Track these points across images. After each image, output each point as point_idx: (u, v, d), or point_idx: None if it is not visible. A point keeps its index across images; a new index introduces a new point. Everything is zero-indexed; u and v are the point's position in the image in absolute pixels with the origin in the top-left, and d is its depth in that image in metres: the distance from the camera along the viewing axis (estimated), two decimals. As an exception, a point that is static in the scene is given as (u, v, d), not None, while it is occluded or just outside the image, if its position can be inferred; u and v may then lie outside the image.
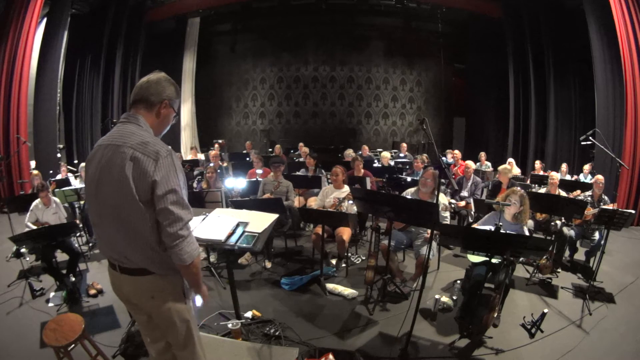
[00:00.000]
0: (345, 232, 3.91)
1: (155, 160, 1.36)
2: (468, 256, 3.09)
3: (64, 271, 3.55)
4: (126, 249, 1.42)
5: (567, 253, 4.37)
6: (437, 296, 3.22)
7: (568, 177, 6.66)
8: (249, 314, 3.05)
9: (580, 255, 4.40)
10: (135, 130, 1.43)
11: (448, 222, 3.65)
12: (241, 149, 10.52)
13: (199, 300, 1.58)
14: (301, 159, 7.80)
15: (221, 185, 5.09)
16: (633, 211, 3.52)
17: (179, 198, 1.38)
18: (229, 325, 2.71)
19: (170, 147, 1.46)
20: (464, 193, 5.21)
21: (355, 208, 3.98)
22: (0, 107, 6.56)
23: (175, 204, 1.37)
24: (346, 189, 4.28)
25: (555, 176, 4.80)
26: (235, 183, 5.33)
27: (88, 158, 1.51)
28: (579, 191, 4.89)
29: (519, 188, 3.44)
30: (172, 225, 1.36)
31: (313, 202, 5.04)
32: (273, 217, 2.57)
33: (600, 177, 4.43)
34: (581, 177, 6.64)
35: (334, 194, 4.28)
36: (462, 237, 2.91)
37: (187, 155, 10.26)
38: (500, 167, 4.99)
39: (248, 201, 4.57)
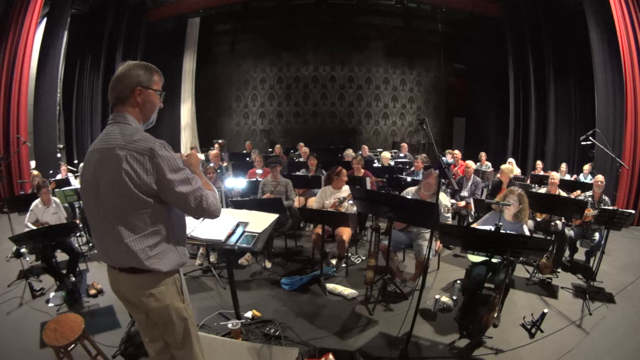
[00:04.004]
0: (345, 232, 3.91)
1: (151, 156, 1.37)
2: (468, 256, 3.09)
3: (64, 271, 3.55)
4: (127, 251, 1.41)
5: (567, 253, 4.37)
6: (437, 296, 3.22)
7: (567, 177, 6.66)
8: (249, 314, 3.05)
9: (580, 255, 4.40)
10: (125, 130, 1.42)
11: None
12: (241, 149, 10.52)
13: None
14: (301, 159, 7.79)
15: (221, 185, 5.09)
16: (633, 211, 3.52)
17: (185, 177, 1.43)
18: (229, 325, 2.71)
19: (163, 141, 1.44)
20: (464, 193, 5.20)
21: (355, 208, 3.97)
22: (0, 107, 6.56)
23: (184, 184, 1.43)
24: (345, 188, 4.27)
25: (556, 176, 4.79)
26: (235, 183, 5.33)
27: (83, 165, 1.51)
28: (579, 191, 4.88)
29: (516, 187, 3.45)
30: (189, 205, 1.45)
31: (313, 202, 5.03)
32: (273, 217, 2.57)
33: (600, 176, 4.43)
34: (581, 177, 6.64)
35: (333, 195, 4.27)
36: (462, 237, 2.91)
37: (187, 155, 10.24)
38: (503, 166, 4.99)
39: (248, 201, 4.57)
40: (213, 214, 1.54)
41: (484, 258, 2.92)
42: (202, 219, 2.42)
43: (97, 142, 1.46)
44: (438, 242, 3.62)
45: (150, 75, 1.51)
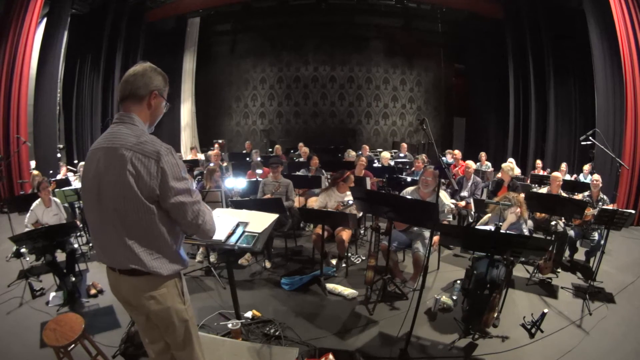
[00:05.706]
0: (345, 232, 3.91)
1: (157, 160, 1.36)
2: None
3: (64, 271, 3.54)
4: (128, 253, 1.40)
5: (567, 253, 4.37)
6: (437, 296, 3.22)
7: (567, 177, 6.66)
8: (249, 314, 3.05)
9: (580, 255, 4.40)
10: (131, 131, 1.41)
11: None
12: (241, 149, 10.52)
13: None
14: (301, 159, 7.79)
15: (221, 185, 5.08)
16: (633, 211, 3.53)
17: (187, 187, 1.42)
18: (229, 325, 2.71)
19: (170, 146, 1.44)
20: (464, 193, 5.20)
21: (361, 214, 3.93)
22: (0, 107, 6.56)
23: (184, 193, 1.41)
24: (349, 193, 4.21)
25: (558, 176, 4.78)
26: (235, 183, 5.32)
27: (85, 164, 1.49)
28: (580, 195, 4.86)
29: (510, 193, 3.45)
30: (185, 217, 1.43)
31: (313, 202, 5.02)
32: (273, 217, 2.57)
33: (596, 176, 4.43)
34: (581, 177, 6.64)
35: (337, 198, 4.22)
36: (462, 237, 2.91)
37: (187, 155, 10.25)
38: (503, 165, 4.98)
39: (248, 201, 4.57)
40: (207, 233, 1.52)
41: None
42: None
43: (101, 141, 1.44)
44: (436, 237, 3.59)
45: (165, 84, 1.55)
